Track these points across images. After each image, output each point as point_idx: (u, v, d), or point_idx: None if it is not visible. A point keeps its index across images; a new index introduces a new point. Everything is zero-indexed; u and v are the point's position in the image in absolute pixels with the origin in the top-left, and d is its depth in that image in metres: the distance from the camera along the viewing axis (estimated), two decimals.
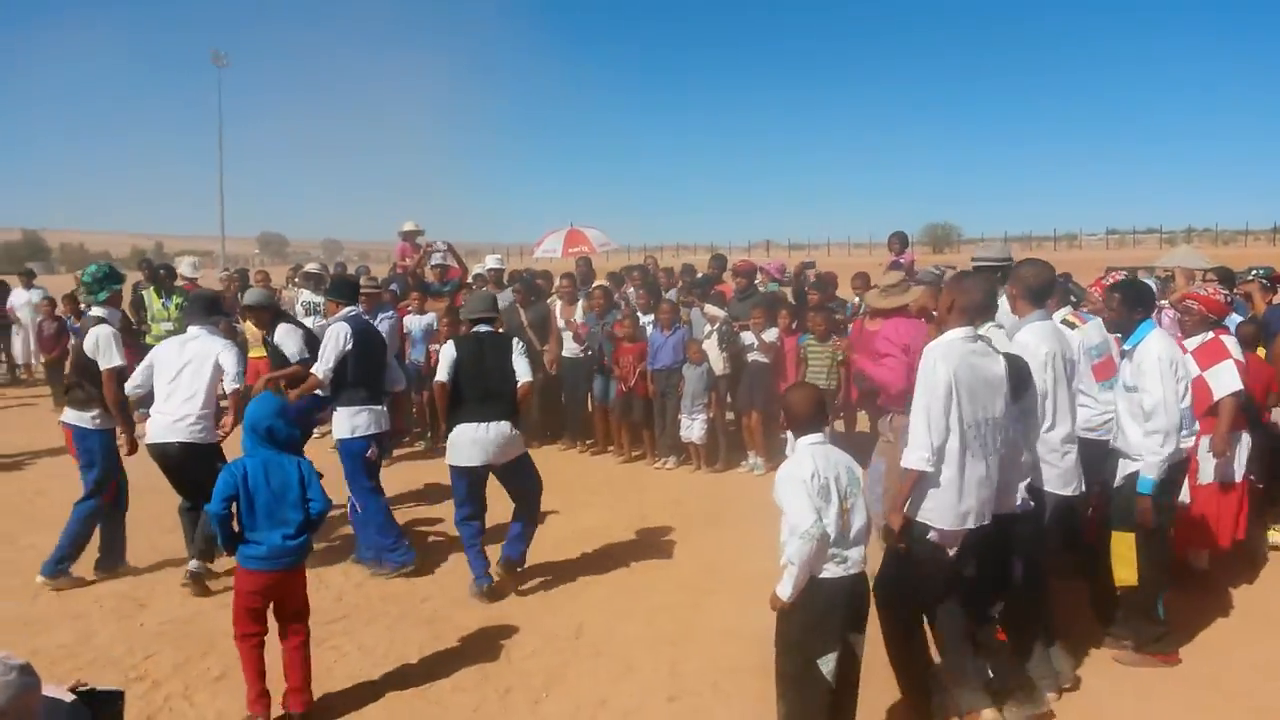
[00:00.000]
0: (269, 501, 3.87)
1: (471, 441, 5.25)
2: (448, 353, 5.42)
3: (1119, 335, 4.64)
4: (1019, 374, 3.85)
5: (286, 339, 6.44)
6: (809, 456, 3.37)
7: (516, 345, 5.53)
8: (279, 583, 3.93)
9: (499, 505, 5.61)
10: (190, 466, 5.41)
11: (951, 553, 3.67)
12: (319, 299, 9.35)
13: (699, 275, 10.02)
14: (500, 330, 5.83)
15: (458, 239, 12.11)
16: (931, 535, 3.66)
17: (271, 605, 3.99)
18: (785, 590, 3.29)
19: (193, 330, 5.65)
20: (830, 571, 3.32)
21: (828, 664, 3.35)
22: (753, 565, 5.18)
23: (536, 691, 4.28)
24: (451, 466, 5.37)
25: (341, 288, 6.32)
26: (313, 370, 5.73)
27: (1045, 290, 4.26)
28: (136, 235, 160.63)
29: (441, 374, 5.37)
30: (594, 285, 9.52)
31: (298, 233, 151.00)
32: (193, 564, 5.53)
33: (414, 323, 9.34)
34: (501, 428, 5.28)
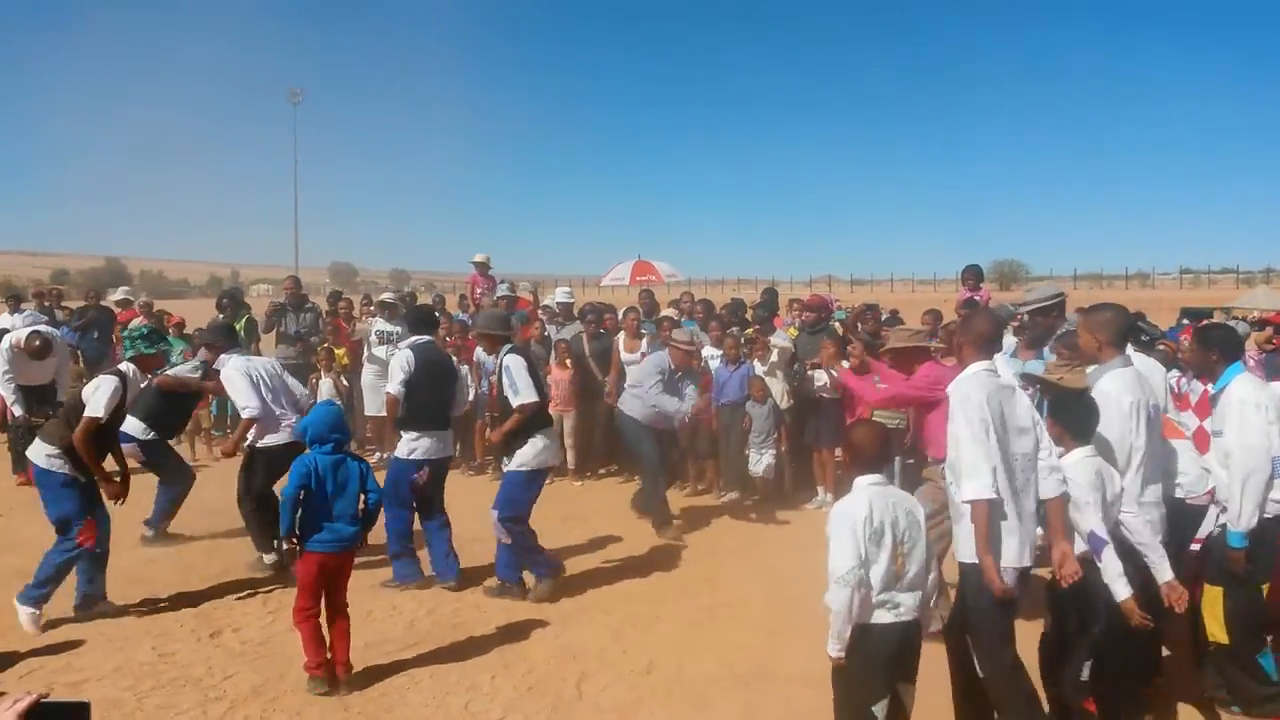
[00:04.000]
0: (335, 493, 4.53)
1: (549, 446, 5.92)
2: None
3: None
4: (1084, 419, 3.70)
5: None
6: (866, 498, 3.31)
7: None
8: (337, 565, 4.57)
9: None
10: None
11: (1014, 588, 3.52)
12: (393, 328, 9.56)
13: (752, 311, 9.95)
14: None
15: (525, 271, 12.38)
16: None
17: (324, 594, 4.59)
18: (832, 648, 3.27)
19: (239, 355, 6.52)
20: (881, 618, 3.27)
21: (881, 710, 3.29)
22: (823, 605, 5.08)
23: None
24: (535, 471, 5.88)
25: (417, 317, 6.81)
26: (387, 390, 6.16)
27: (1127, 333, 4.15)
28: (214, 264, 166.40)
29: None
30: (660, 315, 9.55)
31: (367, 262, 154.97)
32: (267, 558, 6.18)
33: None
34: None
